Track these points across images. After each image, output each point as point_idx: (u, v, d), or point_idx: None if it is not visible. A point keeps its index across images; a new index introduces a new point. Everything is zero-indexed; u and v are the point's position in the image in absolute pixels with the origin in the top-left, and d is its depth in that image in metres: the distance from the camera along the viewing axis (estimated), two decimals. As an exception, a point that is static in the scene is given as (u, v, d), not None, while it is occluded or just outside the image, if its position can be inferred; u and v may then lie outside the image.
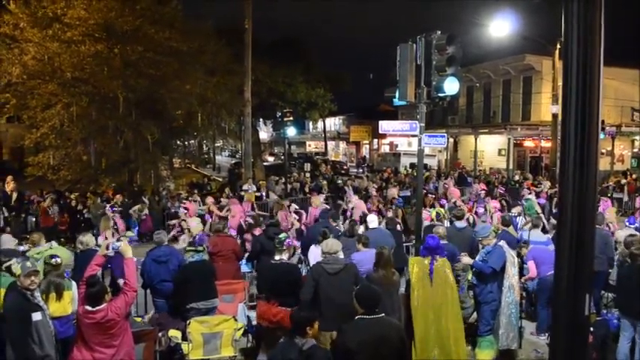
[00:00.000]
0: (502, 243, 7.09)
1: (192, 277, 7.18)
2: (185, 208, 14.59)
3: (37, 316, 5.18)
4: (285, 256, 6.59)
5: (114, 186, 20.17)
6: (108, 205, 15.09)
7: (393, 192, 16.72)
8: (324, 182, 22.22)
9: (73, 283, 6.20)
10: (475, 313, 7.68)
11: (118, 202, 15.62)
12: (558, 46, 22.14)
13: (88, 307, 4.90)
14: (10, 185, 15.68)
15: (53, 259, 6.25)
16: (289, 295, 6.26)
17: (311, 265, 8.08)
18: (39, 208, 15.24)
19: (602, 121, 23.98)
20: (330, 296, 5.97)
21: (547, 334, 7.96)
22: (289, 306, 6.03)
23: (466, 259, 6.90)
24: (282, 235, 6.90)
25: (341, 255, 6.83)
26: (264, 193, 18.70)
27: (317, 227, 9.96)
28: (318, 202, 13.87)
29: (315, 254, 8.19)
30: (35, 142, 19.28)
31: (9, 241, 7.81)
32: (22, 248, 7.84)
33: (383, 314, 4.53)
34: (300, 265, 10.46)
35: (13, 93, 18.29)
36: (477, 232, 7.78)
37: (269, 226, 9.68)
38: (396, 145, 45.06)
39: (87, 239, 7.74)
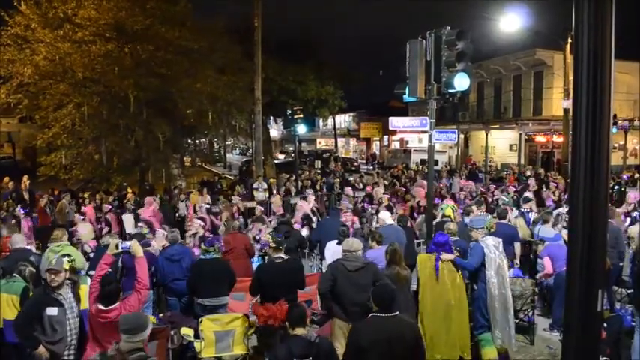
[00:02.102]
0: (485, 239, 6.99)
1: (201, 273, 7.24)
2: (82, 213, 13.14)
3: (51, 311, 5.21)
4: (282, 254, 6.61)
5: (118, 185, 20.21)
6: (19, 206, 13.79)
7: (379, 192, 15.55)
8: (337, 180, 22.22)
9: (88, 278, 6.27)
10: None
11: (131, 200, 15.69)
12: (569, 41, 21.93)
13: (101, 307, 4.92)
14: (25, 185, 15.88)
15: (65, 258, 6.32)
16: (293, 292, 6.35)
17: (327, 261, 8.13)
18: (38, 206, 15.25)
19: (615, 116, 23.80)
20: (347, 293, 5.97)
21: (561, 331, 7.94)
22: (294, 302, 6.07)
23: (446, 256, 6.82)
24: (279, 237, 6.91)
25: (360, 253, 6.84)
26: (274, 191, 18.72)
27: (329, 223, 9.97)
28: (278, 202, 13.91)
29: (332, 251, 8.19)
30: (47, 142, 19.43)
31: (20, 241, 7.90)
32: (30, 247, 7.94)
33: (397, 312, 4.52)
34: (310, 263, 10.53)
35: (25, 93, 18.48)
36: (471, 222, 7.73)
37: (280, 224, 9.70)
38: (407, 142, 44.97)
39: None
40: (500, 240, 7.18)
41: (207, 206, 13.38)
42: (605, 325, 6.71)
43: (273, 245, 6.65)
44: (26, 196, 15.63)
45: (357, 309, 5.81)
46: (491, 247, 6.87)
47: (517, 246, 9.10)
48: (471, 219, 8.29)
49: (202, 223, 10.67)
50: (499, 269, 6.80)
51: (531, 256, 9.55)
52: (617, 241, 8.65)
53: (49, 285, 5.26)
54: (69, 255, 6.41)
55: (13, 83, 18.02)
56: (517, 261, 8.99)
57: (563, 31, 22.11)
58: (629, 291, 8.29)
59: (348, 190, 16.65)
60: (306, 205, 13.18)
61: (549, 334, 7.98)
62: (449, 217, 10.46)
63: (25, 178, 16.20)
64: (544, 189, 16.24)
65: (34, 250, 8.30)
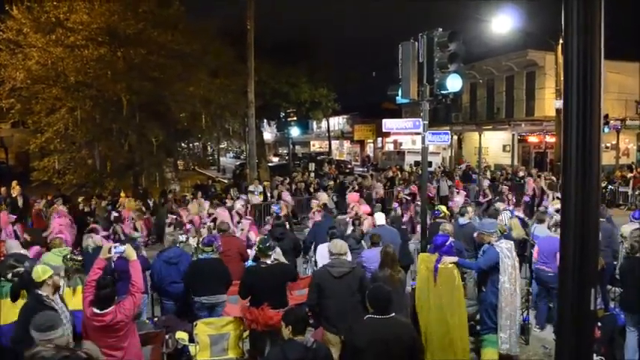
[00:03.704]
0: (499, 243, 6.94)
1: (198, 272, 7.27)
2: None
3: None
4: (272, 258, 6.58)
5: (112, 189, 20.08)
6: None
7: (323, 197, 14.21)
8: (330, 182, 22.24)
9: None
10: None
11: (124, 204, 15.62)
12: (561, 41, 22.05)
13: (96, 310, 4.90)
14: (15, 190, 15.76)
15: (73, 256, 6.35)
16: (281, 297, 6.33)
17: (319, 264, 8.10)
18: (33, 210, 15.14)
19: (607, 115, 23.93)
20: (334, 300, 5.92)
21: (544, 328, 8.00)
22: (281, 307, 6.05)
23: (449, 258, 6.85)
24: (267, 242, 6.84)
25: (348, 257, 6.81)
26: (269, 194, 18.74)
27: (324, 225, 9.97)
28: (195, 210, 13.40)
29: (323, 253, 8.14)
30: (40, 146, 19.33)
31: (16, 246, 7.88)
32: (24, 251, 7.91)
33: (394, 314, 4.50)
34: (305, 265, 10.51)
35: (17, 98, 18.40)
36: (482, 225, 7.70)
37: (275, 227, 9.67)
38: (400, 144, 45.04)
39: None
40: (513, 243, 7.15)
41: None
42: (599, 324, 6.74)
43: (258, 250, 6.65)
44: (20, 201, 15.55)
45: (341, 315, 5.77)
46: (506, 251, 6.80)
47: None
48: (481, 223, 8.25)
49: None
50: (512, 274, 6.77)
51: (526, 255, 9.57)
52: (611, 240, 8.69)
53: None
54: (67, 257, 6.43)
55: (6, 88, 17.95)
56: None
57: (555, 31, 22.23)
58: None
59: (287, 197, 15.82)
60: (223, 213, 12.34)
61: (544, 334, 8.00)
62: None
63: (14, 183, 16.08)
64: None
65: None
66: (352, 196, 13.17)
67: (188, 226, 12.41)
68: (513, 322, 6.77)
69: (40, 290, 5.13)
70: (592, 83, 3.00)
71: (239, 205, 13.66)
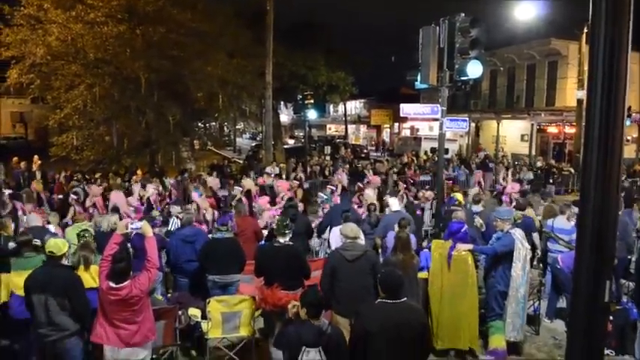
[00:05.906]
0: (514, 231, 6.89)
1: (211, 251, 7.32)
2: None
3: None
4: (287, 239, 6.55)
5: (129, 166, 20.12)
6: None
7: (247, 184, 13.05)
8: (346, 166, 22.19)
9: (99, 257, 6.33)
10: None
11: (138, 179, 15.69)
12: (585, 30, 21.68)
13: (112, 284, 4.97)
14: (36, 164, 16.00)
15: (86, 233, 6.45)
16: (293, 278, 6.28)
17: (332, 246, 8.11)
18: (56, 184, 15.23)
19: (629, 108, 23.50)
20: (347, 283, 5.93)
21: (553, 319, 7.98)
22: (292, 289, 6.05)
23: (464, 246, 6.78)
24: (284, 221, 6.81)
25: (361, 241, 6.80)
26: (284, 176, 18.77)
27: (339, 208, 9.98)
28: (96, 191, 12.39)
29: (336, 235, 8.13)
30: (59, 122, 19.60)
31: (36, 220, 8.00)
32: (48, 227, 8.04)
33: (405, 299, 4.51)
34: (318, 248, 10.56)
35: (37, 74, 18.59)
36: (497, 212, 7.62)
37: (288, 208, 9.70)
38: (417, 130, 44.75)
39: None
40: (522, 232, 7.13)
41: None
42: (611, 317, 6.70)
43: (275, 228, 6.66)
44: (38, 175, 15.76)
45: (353, 298, 5.75)
46: (520, 237, 6.77)
47: (535, 237, 9.04)
48: (497, 209, 8.20)
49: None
50: (525, 263, 6.74)
51: (538, 252, 9.49)
52: (625, 233, 8.59)
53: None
54: (86, 230, 6.53)
55: (26, 63, 18.12)
56: (538, 251, 9.03)
57: (580, 20, 21.83)
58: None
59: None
60: (117, 197, 11.38)
61: (555, 325, 7.99)
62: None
63: (36, 157, 16.32)
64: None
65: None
66: (282, 184, 12.92)
67: (91, 210, 11.65)
68: (521, 310, 6.77)
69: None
70: (617, 75, 2.95)
71: (151, 189, 12.91)
